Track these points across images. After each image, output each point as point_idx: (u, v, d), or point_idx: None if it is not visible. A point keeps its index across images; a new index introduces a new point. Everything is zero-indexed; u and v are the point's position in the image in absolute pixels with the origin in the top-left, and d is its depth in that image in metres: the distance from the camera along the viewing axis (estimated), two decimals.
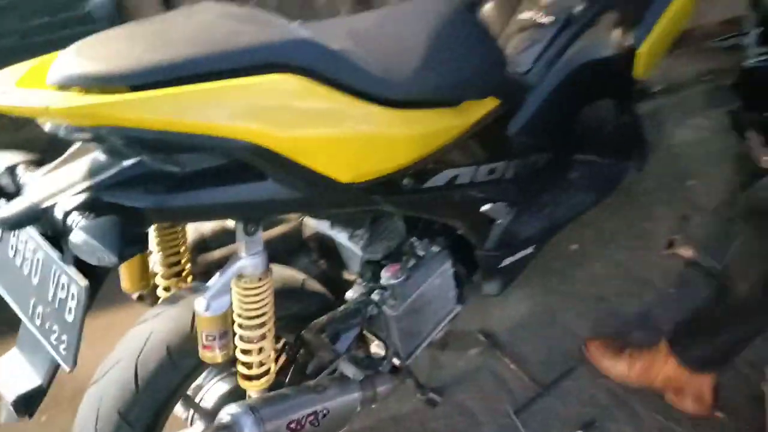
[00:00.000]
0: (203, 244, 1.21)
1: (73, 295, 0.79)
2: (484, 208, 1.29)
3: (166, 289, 1.16)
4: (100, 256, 0.74)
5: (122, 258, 0.75)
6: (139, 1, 1.92)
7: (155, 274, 1.15)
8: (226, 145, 0.82)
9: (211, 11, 0.95)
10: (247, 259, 0.96)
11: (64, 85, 0.78)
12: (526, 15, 1.61)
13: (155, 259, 1.14)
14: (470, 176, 1.21)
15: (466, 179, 1.20)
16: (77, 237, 0.74)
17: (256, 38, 0.86)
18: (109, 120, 0.75)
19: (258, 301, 0.98)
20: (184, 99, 0.78)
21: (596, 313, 1.75)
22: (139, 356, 0.97)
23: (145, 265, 1.13)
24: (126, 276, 1.12)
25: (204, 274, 1.20)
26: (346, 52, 0.94)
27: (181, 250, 1.15)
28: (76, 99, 0.75)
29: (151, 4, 1.97)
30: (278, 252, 1.24)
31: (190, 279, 1.18)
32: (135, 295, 1.16)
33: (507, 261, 1.43)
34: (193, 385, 1.14)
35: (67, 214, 0.77)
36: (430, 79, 1.04)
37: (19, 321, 0.94)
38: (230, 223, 1.22)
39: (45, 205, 0.80)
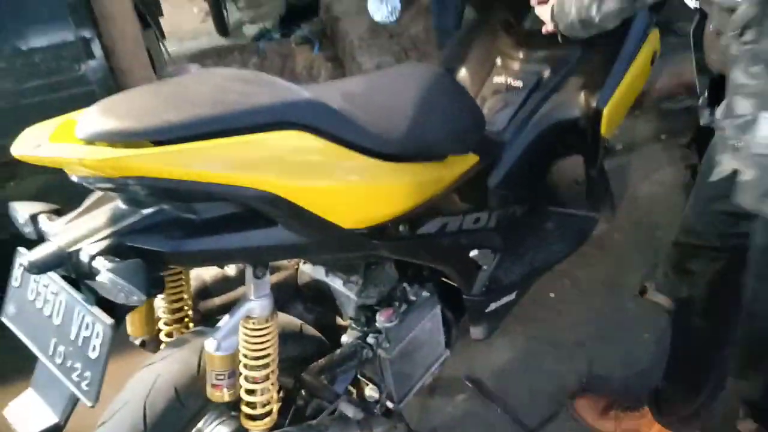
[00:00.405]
0: (205, 291, 1.27)
1: (98, 333, 0.84)
2: (472, 254, 1.38)
3: (168, 335, 1.20)
4: (129, 295, 0.80)
5: (148, 296, 0.81)
6: (130, 65, 2.01)
7: (159, 320, 1.20)
8: (242, 194, 0.90)
9: (219, 75, 1.04)
10: (256, 302, 1.02)
11: (93, 140, 0.86)
12: (498, 79, 1.75)
13: (159, 306, 1.19)
14: (458, 224, 1.31)
15: (455, 227, 1.30)
16: (106, 277, 0.80)
17: (266, 99, 0.96)
18: (136, 171, 0.83)
19: (264, 342, 1.03)
20: (204, 152, 0.86)
21: (576, 357, 1.82)
22: (147, 397, 1.01)
23: (151, 310, 1.17)
24: (134, 321, 1.16)
25: (205, 320, 1.25)
26: (346, 111, 1.04)
27: (185, 296, 1.20)
28: (107, 152, 0.82)
29: (141, 67, 2.06)
30: (275, 299, 1.30)
31: (191, 325, 1.22)
32: (138, 341, 1.20)
33: (492, 306, 1.51)
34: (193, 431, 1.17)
35: (92, 257, 0.84)
36: (419, 136, 1.14)
37: (29, 367, 0.98)
38: (231, 270, 1.28)
39: (71, 249, 0.86)
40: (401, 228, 1.14)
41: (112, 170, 0.83)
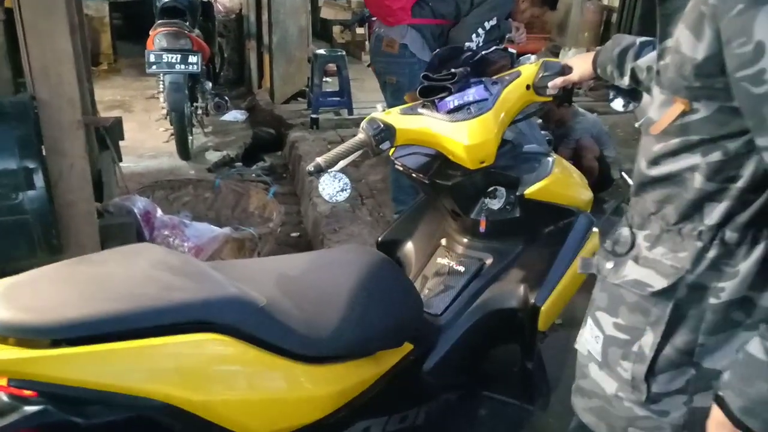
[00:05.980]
0: None
1: None
2: None
3: None
4: None
5: None
6: (73, 198, 1.94)
7: None
8: (141, 404, 0.82)
9: (147, 259, 0.99)
10: None
11: None
12: (442, 261, 1.75)
13: None
14: (382, 426, 1.23)
15: (378, 430, 1.22)
16: None
17: (188, 294, 0.91)
18: (28, 375, 0.76)
19: None
20: (104, 358, 0.80)
21: None
22: None
23: None
24: None
25: None
26: (273, 309, 0.99)
27: None
28: None
29: (84, 201, 1.99)
30: None
31: None
32: None
33: None
34: None
35: None
36: (354, 335, 1.10)
37: None
38: None
39: None
40: None
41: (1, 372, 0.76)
